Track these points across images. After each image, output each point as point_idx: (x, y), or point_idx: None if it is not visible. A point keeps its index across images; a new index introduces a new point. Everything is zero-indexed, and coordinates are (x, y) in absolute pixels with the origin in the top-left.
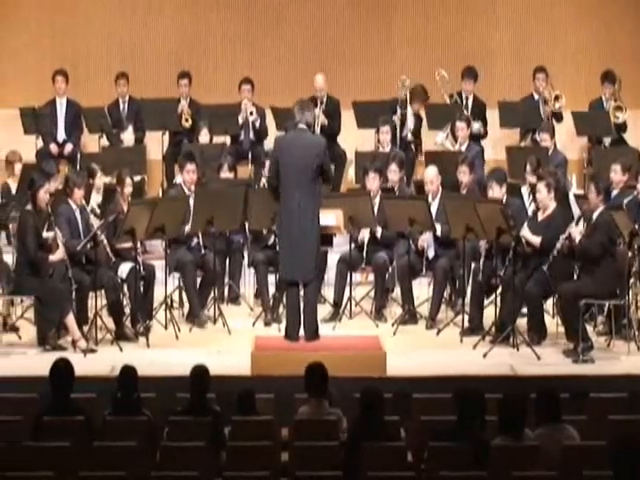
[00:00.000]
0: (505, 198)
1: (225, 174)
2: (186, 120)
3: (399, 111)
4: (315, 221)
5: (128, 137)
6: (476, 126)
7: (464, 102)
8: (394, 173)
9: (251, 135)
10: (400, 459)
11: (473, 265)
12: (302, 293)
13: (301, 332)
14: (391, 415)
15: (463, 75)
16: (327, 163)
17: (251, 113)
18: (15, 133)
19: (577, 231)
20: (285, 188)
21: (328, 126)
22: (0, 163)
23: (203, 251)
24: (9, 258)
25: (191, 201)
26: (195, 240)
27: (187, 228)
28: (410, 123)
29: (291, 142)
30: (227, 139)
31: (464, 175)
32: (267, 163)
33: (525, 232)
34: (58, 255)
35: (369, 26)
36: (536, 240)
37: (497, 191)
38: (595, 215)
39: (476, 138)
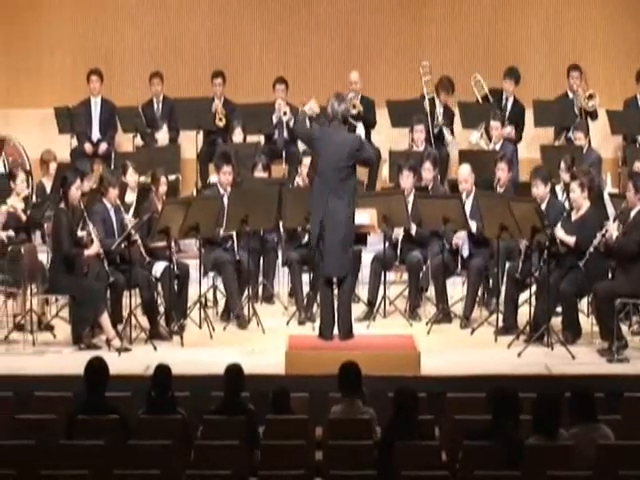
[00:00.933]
0: (549, 197)
1: (259, 173)
2: (220, 119)
3: (427, 100)
4: (349, 217)
5: (162, 136)
6: (507, 130)
7: (503, 102)
8: (428, 171)
9: (285, 134)
10: (434, 458)
11: (508, 264)
12: (336, 292)
13: (335, 331)
14: (425, 414)
15: (505, 75)
16: (364, 153)
17: (285, 113)
18: (50, 133)
19: (613, 228)
20: (319, 184)
21: (364, 115)
22: (35, 162)
23: (237, 250)
24: (44, 257)
25: (225, 200)
26: (230, 240)
27: (222, 228)
28: (439, 115)
29: (327, 138)
30: (261, 138)
31: (502, 172)
32: (304, 161)
33: (559, 232)
34: (93, 249)
35: (401, 24)
36: (570, 240)
37: (542, 189)
38: (633, 213)
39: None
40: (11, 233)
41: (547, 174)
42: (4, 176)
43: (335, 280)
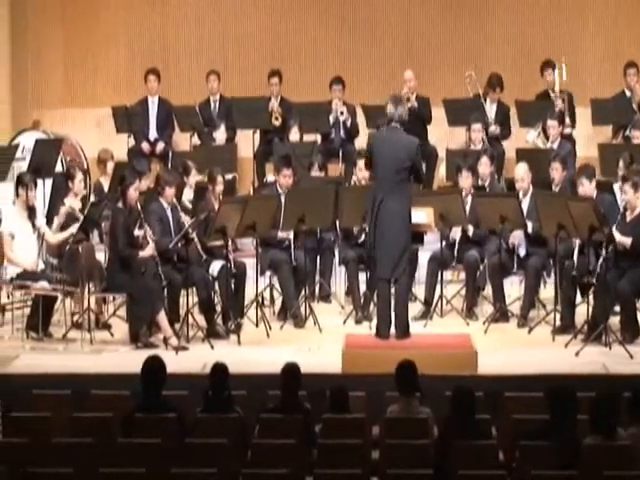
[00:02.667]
0: (595, 194)
1: (316, 173)
2: (276, 119)
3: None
4: (405, 218)
5: (220, 135)
6: (492, 128)
7: (552, 96)
8: (485, 166)
9: (342, 133)
10: (491, 458)
11: (565, 263)
12: (393, 291)
13: (392, 330)
14: (482, 413)
15: (542, 69)
16: (419, 162)
17: (341, 112)
18: (107, 132)
19: None
20: (376, 185)
21: (418, 110)
22: (92, 162)
23: (294, 250)
24: (102, 256)
25: (282, 200)
26: (287, 239)
27: (279, 228)
28: (490, 114)
29: (384, 140)
30: (318, 137)
31: (556, 172)
32: (358, 163)
33: (615, 234)
34: (147, 251)
35: (458, 23)
36: (627, 241)
37: (587, 187)
38: None
39: (568, 136)
40: (74, 230)
41: (592, 171)
42: (62, 175)
43: (391, 279)
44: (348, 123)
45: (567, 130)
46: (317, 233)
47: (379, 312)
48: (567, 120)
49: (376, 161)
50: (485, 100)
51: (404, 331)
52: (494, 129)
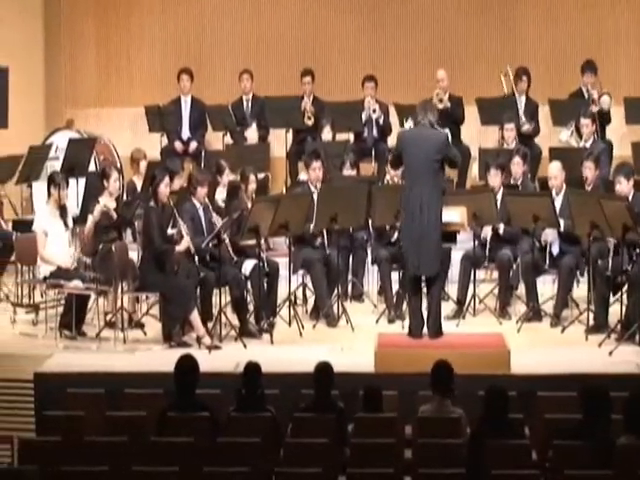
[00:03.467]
0: (632, 193)
1: (348, 171)
2: (309, 118)
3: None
4: (438, 215)
5: (252, 134)
6: (525, 127)
7: (586, 96)
8: (518, 165)
9: (374, 132)
10: (524, 457)
11: (599, 262)
12: (425, 290)
13: (425, 329)
14: (515, 413)
15: (583, 69)
16: (451, 152)
17: (374, 110)
18: (140, 131)
19: None
20: (408, 183)
21: (451, 110)
22: (125, 161)
23: (327, 248)
24: (135, 255)
25: (315, 198)
26: (319, 238)
27: (311, 226)
28: (520, 107)
29: (413, 137)
30: (350, 136)
31: (589, 171)
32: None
33: None
34: (183, 245)
35: (491, 21)
36: None
37: (624, 185)
38: None
39: (602, 135)
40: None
41: (630, 170)
42: (96, 175)
43: (424, 278)
44: (380, 121)
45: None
46: (349, 232)
47: (411, 312)
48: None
49: (407, 159)
50: (514, 94)
51: (437, 330)
52: (527, 128)
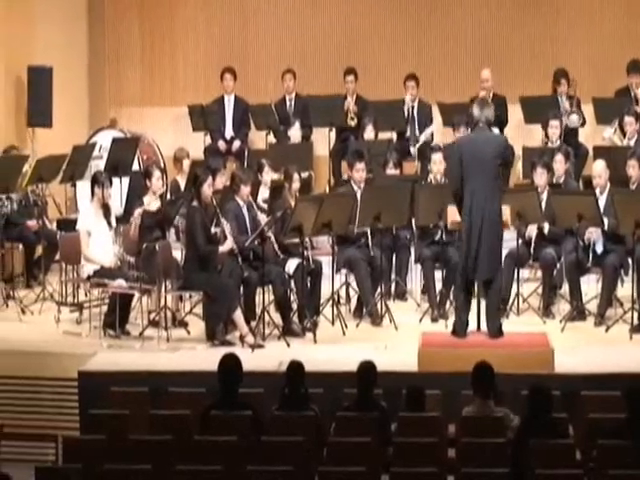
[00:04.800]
0: None
1: (391, 170)
2: (352, 119)
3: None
4: (499, 219)
5: (295, 133)
6: (573, 117)
7: (632, 95)
8: (560, 163)
9: (417, 131)
10: (568, 457)
11: None
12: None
13: (470, 328)
14: (559, 412)
15: (629, 69)
16: (509, 157)
17: (413, 107)
18: (183, 130)
19: None
20: (471, 186)
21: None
22: (169, 160)
23: (370, 247)
24: (178, 254)
25: (358, 197)
26: (363, 237)
27: (355, 225)
28: (564, 107)
29: (473, 142)
30: (393, 135)
31: (633, 170)
32: (433, 157)
33: None
34: (227, 245)
35: (535, 19)
36: None
37: None
38: None
39: None
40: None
41: None
42: (140, 174)
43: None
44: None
45: None
46: (392, 231)
47: (458, 312)
48: None
49: (467, 163)
50: (556, 94)
51: (497, 331)
52: (575, 118)
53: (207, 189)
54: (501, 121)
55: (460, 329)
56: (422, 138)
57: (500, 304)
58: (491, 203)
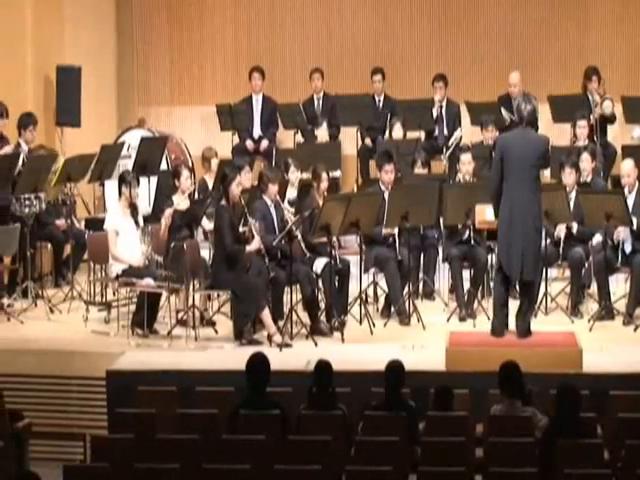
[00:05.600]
0: None
1: (419, 170)
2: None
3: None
4: (539, 220)
5: (322, 133)
6: (606, 103)
7: None
8: (586, 162)
9: (445, 130)
10: (596, 457)
11: None
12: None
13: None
14: (587, 412)
15: None
16: (548, 159)
17: (440, 106)
18: (212, 130)
19: None
20: (509, 188)
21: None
22: (197, 160)
23: (398, 247)
24: (206, 254)
25: (386, 197)
26: (390, 236)
27: (382, 225)
28: (594, 100)
29: (515, 141)
30: (422, 135)
31: None
32: (461, 158)
33: None
34: (254, 245)
35: (563, 19)
36: None
37: None
38: None
39: None
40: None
41: None
42: (168, 173)
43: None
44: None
45: None
46: (420, 230)
47: (496, 312)
48: None
49: (509, 162)
50: (586, 93)
51: (527, 330)
52: (608, 103)
53: (235, 188)
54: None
55: (499, 329)
56: (452, 141)
57: (534, 305)
58: (533, 204)
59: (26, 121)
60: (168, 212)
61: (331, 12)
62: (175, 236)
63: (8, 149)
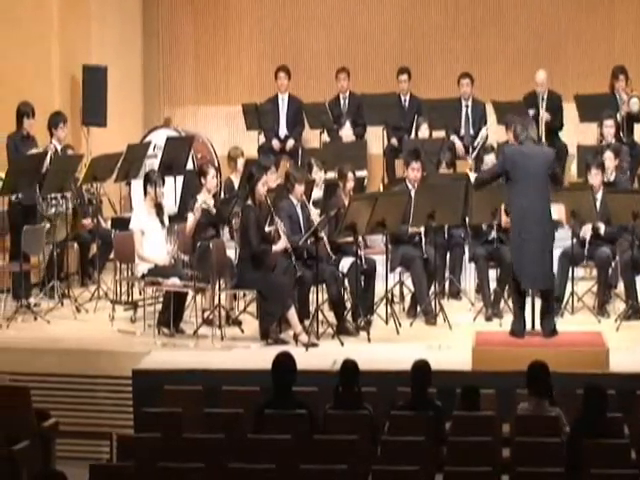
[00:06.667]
0: None
1: (444, 170)
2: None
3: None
4: (552, 228)
5: (346, 133)
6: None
7: None
8: (610, 160)
9: (471, 130)
10: (623, 457)
11: None
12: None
13: (528, 328)
14: (614, 412)
15: None
16: (557, 170)
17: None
18: (238, 129)
19: None
20: (520, 198)
21: (551, 122)
22: (223, 159)
23: (424, 246)
24: (232, 253)
25: (412, 196)
26: (417, 236)
27: (408, 227)
28: (621, 99)
29: (523, 153)
30: (453, 137)
31: None
32: (485, 159)
33: None
34: (281, 245)
35: (590, 17)
36: None
37: None
38: None
39: None
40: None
41: None
42: (194, 173)
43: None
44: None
45: None
46: (446, 229)
47: (517, 312)
48: None
49: (517, 175)
50: (613, 93)
51: (552, 330)
52: (636, 100)
53: (261, 188)
54: (555, 128)
55: (519, 330)
56: (478, 140)
57: (555, 304)
58: (544, 213)
59: (56, 119)
60: (199, 204)
61: (357, 11)
62: (201, 235)
63: (35, 150)
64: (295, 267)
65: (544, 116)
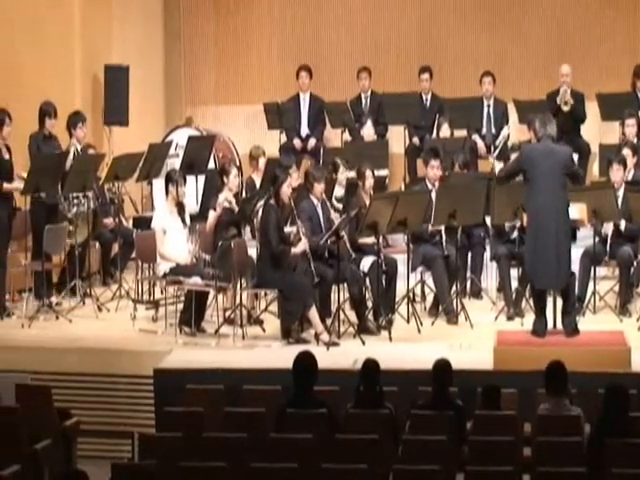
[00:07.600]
0: None
1: (464, 170)
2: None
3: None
4: (569, 227)
5: (367, 132)
6: None
7: None
8: (628, 158)
9: (493, 129)
10: None
11: None
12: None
13: (549, 327)
14: (636, 411)
15: None
16: (575, 168)
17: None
18: (259, 128)
19: None
20: (537, 197)
21: (574, 110)
22: (244, 158)
23: (445, 245)
24: (253, 252)
25: (433, 195)
26: (438, 235)
27: (429, 226)
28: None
29: (540, 152)
30: (475, 137)
31: None
32: (512, 157)
33: None
34: (300, 248)
35: (612, 15)
36: None
37: None
38: None
39: None
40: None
41: None
42: (216, 172)
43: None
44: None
45: None
46: (468, 228)
47: (537, 312)
48: None
49: (535, 174)
50: (635, 91)
51: (574, 329)
52: None
53: (286, 189)
54: (578, 119)
55: (540, 330)
56: (499, 139)
57: (576, 302)
58: (561, 212)
59: (75, 119)
60: (220, 200)
61: (378, 10)
62: (222, 234)
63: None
64: (313, 272)
65: (565, 96)
